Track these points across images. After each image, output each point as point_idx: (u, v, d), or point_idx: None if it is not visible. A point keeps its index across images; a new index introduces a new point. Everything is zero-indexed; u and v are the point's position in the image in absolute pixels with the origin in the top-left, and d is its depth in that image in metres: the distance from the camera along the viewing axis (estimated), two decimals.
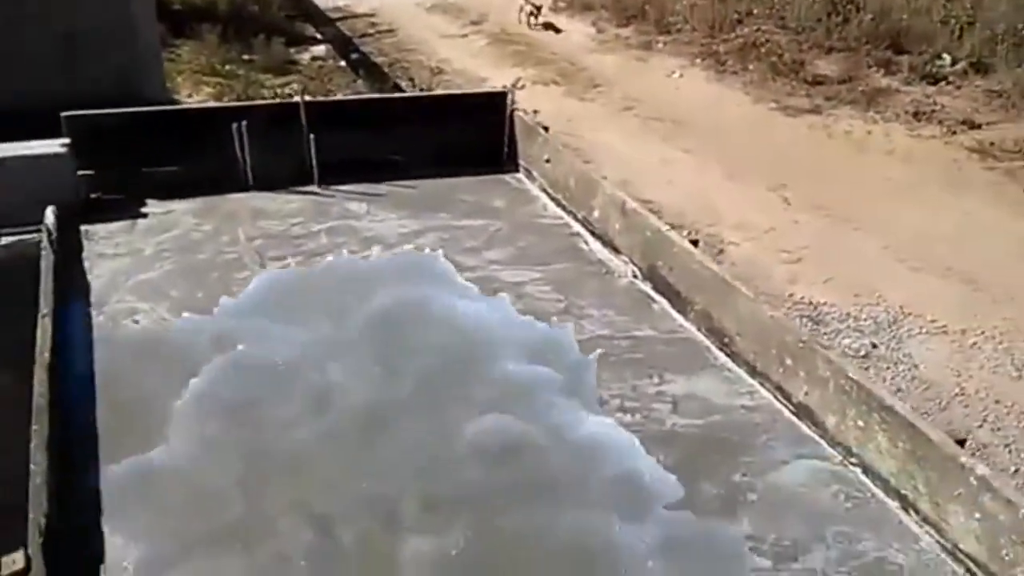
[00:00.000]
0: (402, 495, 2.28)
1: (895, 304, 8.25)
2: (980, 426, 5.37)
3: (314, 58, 13.45)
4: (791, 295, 7.42)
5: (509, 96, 3.98)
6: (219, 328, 2.87)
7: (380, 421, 2.53)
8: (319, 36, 14.44)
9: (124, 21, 8.65)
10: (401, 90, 11.28)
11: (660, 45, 13.47)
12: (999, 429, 5.31)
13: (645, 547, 2.18)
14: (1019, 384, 6.10)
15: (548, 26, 13.94)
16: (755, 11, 14.03)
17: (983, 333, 6.70)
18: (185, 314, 2.93)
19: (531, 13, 13.84)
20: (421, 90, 11.03)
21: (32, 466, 2.20)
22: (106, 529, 2.18)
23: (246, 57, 13.03)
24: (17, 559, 2.02)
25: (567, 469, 2.40)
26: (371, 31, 14.86)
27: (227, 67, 12.62)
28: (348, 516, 2.23)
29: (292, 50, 13.53)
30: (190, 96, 11.56)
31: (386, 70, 13.19)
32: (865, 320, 8.12)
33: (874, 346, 7.33)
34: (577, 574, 2.13)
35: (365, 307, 2.98)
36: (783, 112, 12.00)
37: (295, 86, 12.05)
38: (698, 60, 13.39)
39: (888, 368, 6.30)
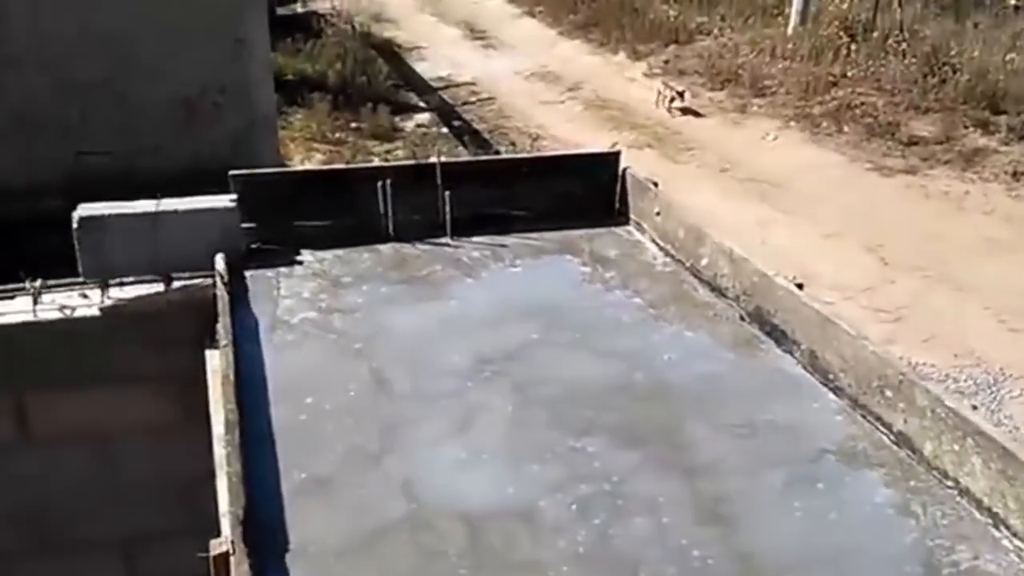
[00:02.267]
0: None
1: (995, 365, 8.27)
2: None
3: (418, 125, 14.12)
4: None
5: (621, 155, 4.34)
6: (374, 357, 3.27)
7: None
8: (423, 104, 15.13)
9: (243, 88, 9.31)
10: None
11: (755, 108, 13.75)
12: None
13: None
14: None
15: (687, 111, 13.92)
16: (849, 73, 14.23)
17: None
18: (348, 346, 3.33)
19: (671, 99, 13.91)
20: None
21: (226, 467, 2.59)
22: (289, 523, 2.53)
23: (354, 125, 13.79)
24: (223, 542, 2.40)
25: None
26: (472, 99, 15.51)
27: (336, 134, 13.38)
28: None
29: (397, 118, 14.25)
30: (302, 162, 12.30)
31: (487, 136, 13.75)
32: (965, 381, 8.17)
33: (974, 408, 7.36)
34: None
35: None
36: (879, 172, 12.13)
37: (400, 152, 12.70)
38: (793, 122, 13.64)
39: None
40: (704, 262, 3.83)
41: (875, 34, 14.68)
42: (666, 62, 16.01)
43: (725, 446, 2.89)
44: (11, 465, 4.05)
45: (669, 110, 13.94)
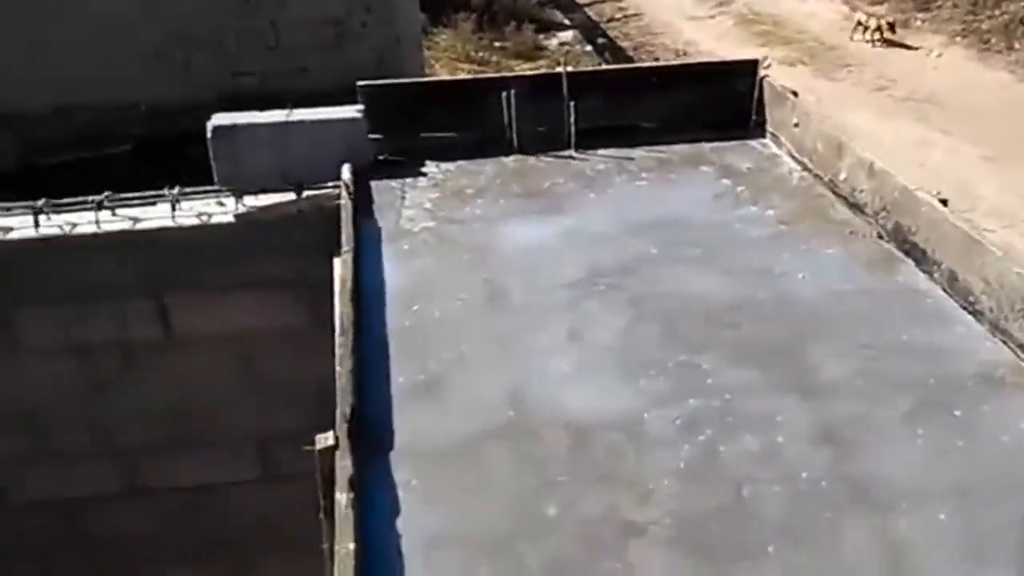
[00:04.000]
0: None
1: None
2: None
3: (561, 43, 13.89)
4: None
5: (760, 64, 4.13)
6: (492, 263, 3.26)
7: None
8: (567, 22, 14.86)
9: (389, 7, 9.36)
10: None
11: (918, 23, 12.86)
12: None
13: None
14: None
15: (892, 43, 12.29)
16: None
17: None
18: (464, 256, 3.33)
19: (877, 28, 12.21)
20: None
21: (339, 367, 2.64)
22: (395, 423, 2.58)
23: (498, 44, 13.68)
24: (328, 437, 2.46)
25: None
26: (618, 15, 15.13)
27: (480, 54, 13.31)
28: None
29: (541, 36, 14.04)
30: None
31: (631, 53, 13.41)
32: None
33: None
34: None
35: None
36: None
37: (544, 71, 12.51)
38: (959, 38, 12.70)
39: None
40: (843, 176, 3.62)
41: None
42: None
43: (851, 368, 2.74)
44: (155, 364, 4.29)
45: (872, 43, 12.24)
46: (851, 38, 12.40)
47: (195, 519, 4.54)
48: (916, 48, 12.15)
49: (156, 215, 4.02)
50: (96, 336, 4.20)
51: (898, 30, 12.23)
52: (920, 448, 2.44)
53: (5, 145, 8.17)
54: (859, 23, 12.45)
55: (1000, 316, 2.81)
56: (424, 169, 3.95)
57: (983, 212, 8.15)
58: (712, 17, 14.34)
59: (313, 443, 2.43)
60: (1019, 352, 2.74)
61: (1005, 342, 2.79)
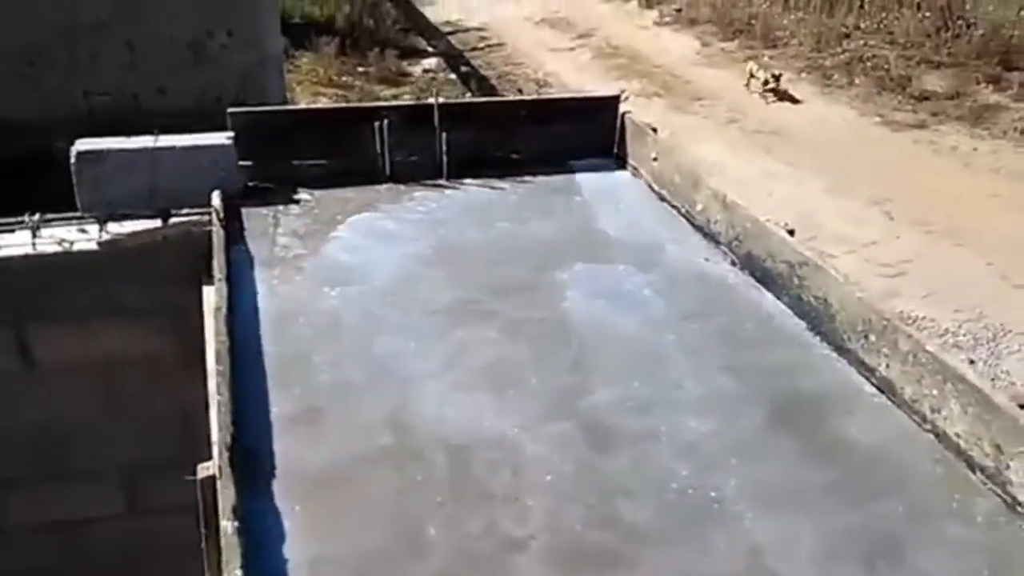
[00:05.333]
0: None
1: (995, 321, 8.27)
2: None
3: (426, 70, 14.02)
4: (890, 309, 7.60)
5: (620, 99, 4.34)
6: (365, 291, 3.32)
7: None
8: (431, 49, 15.02)
9: (250, 30, 9.26)
10: None
11: (765, 58, 13.62)
12: None
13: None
14: None
15: (783, 96, 12.49)
16: (863, 26, 14.09)
17: None
18: (340, 282, 3.38)
19: (764, 82, 12.43)
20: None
21: (217, 396, 2.64)
22: (276, 450, 2.60)
23: (361, 69, 13.70)
24: (210, 466, 2.46)
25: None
26: (481, 44, 15.41)
27: (343, 78, 13.29)
28: None
29: (405, 63, 14.15)
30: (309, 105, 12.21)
31: (495, 82, 13.65)
32: (964, 336, 8.18)
33: (971, 362, 7.40)
34: None
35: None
36: (888, 127, 12.05)
37: (407, 97, 12.64)
38: (804, 74, 13.52)
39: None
40: (699, 208, 3.84)
41: None
42: (678, 10, 15.86)
43: (709, 385, 2.93)
44: (14, 395, 4.13)
45: (762, 95, 12.50)
46: (747, 86, 12.64)
47: (60, 555, 4.38)
48: (800, 102, 12.45)
49: (14, 242, 3.90)
50: None
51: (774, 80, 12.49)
52: (773, 460, 2.63)
53: None
54: (751, 75, 12.62)
55: (843, 337, 3.05)
56: (296, 196, 3.97)
57: (825, 239, 8.69)
58: (572, 49, 14.80)
59: (194, 473, 2.43)
60: (861, 370, 2.98)
61: (848, 360, 3.03)
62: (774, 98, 12.39)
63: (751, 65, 12.73)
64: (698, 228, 3.81)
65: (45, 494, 4.34)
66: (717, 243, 3.69)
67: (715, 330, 3.22)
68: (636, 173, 4.26)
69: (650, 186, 4.14)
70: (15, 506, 4.37)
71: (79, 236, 3.89)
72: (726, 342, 3.14)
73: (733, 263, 3.59)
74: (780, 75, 12.43)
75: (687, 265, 3.61)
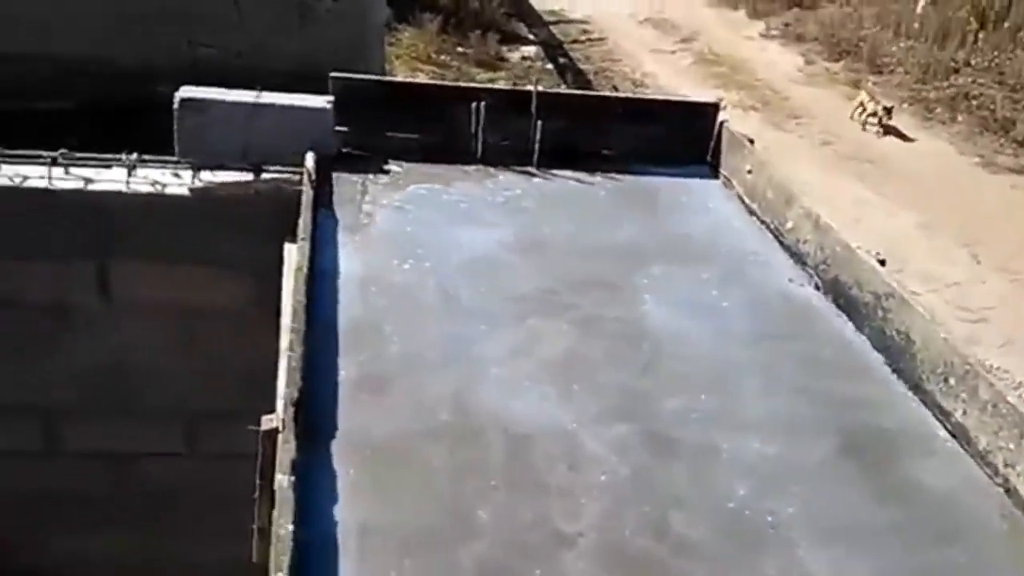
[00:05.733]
0: None
1: None
2: None
3: (524, 57, 13.99)
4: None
5: (720, 108, 4.28)
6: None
7: None
8: (531, 36, 14.98)
9: None
10: None
11: (869, 84, 13.29)
12: None
13: None
14: None
15: (890, 130, 11.93)
16: (973, 62, 13.65)
17: None
18: (420, 257, 3.39)
19: (873, 114, 11.87)
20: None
21: (289, 352, 2.68)
22: (339, 413, 2.62)
23: (460, 49, 13.72)
24: (273, 419, 2.49)
25: None
26: (582, 37, 15.31)
27: (442, 57, 13.33)
28: None
29: (504, 48, 14.12)
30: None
31: (591, 77, 13.58)
32: None
33: None
34: None
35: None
36: (987, 169, 11.69)
37: (502, 83, 12.63)
38: (906, 104, 13.15)
39: None
40: (789, 226, 3.77)
41: (1007, 24, 14.02)
42: (786, 25, 15.56)
43: (778, 408, 2.87)
44: (91, 328, 4.25)
45: (863, 125, 11.90)
46: (851, 116, 12.08)
47: (119, 486, 4.51)
48: (912, 140, 11.91)
49: (110, 178, 4.00)
50: (32, 294, 4.15)
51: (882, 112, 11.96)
52: (835, 492, 2.57)
53: None
54: (861, 105, 12.01)
55: (922, 377, 2.97)
56: (387, 167, 4.00)
57: (910, 274, 8.47)
58: (673, 52, 14.63)
59: (257, 423, 2.47)
60: (936, 412, 2.90)
61: (924, 402, 2.95)
62: (881, 132, 11.85)
63: (862, 95, 12.19)
64: (786, 247, 3.73)
65: (105, 426, 4.45)
66: (804, 264, 3.62)
67: (792, 352, 3.15)
68: (728, 184, 4.19)
69: (741, 198, 4.07)
70: (74, 434, 4.49)
71: (172, 180, 3.98)
72: (802, 366, 3.08)
73: (818, 287, 3.51)
74: (891, 108, 11.89)
75: (771, 283, 3.54)
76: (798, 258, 3.66)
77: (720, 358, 3.07)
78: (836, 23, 15.16)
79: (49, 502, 4.50)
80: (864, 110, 11.98)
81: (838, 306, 3.40)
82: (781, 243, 3.78)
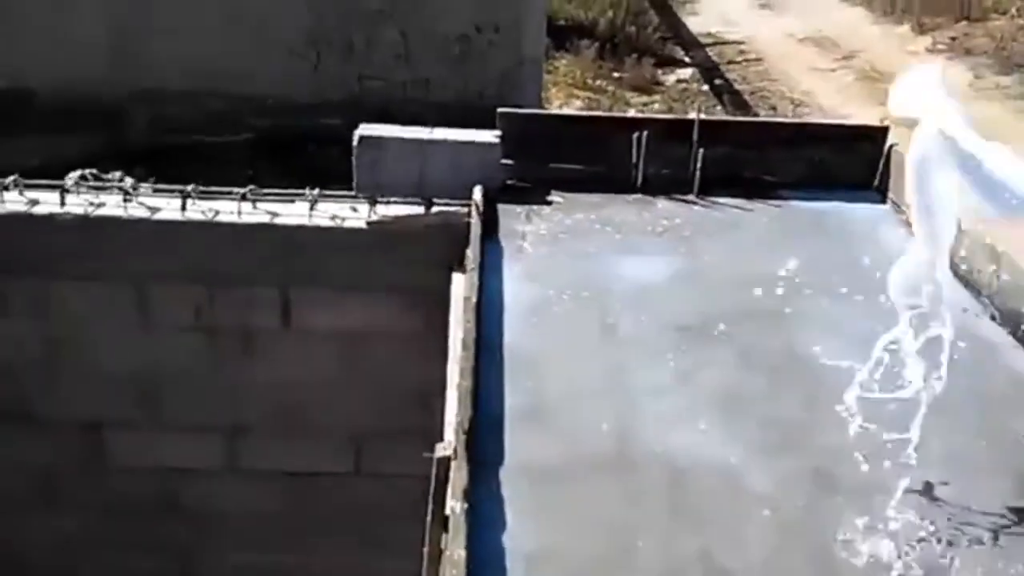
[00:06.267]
0: None
1: None
2: None
3: (679, 80, 13.92)
4: None
5: (889, 131, 4.19)
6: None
7: None
8: (687, 59, 14.88)
9: (516, 28, 9.55)
10: None
11: None
12: None
13: None
14: None
15: None
16: None
17: None
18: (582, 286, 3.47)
19: None
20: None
21: (459, 380, 2.80)
22: (506, 441, 2.72)
23: (616, 74, 13.78)
24: (447, 446, 2.62)
25: None
26: (738, 58, 15.09)
27: (598, 82, 13.43)
28: None
29: (660, 71, 14.08)
30: (561, 107, 12.48)
31: (747, 98, 13.38)
32: None
33: None
34: None
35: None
36: None
37: (657, 106, 12.60)
38: None
39: None
40: (962, 254, 3.64)
41: None
42: (953, 39, 14.87)
43: (955, 446, 2.79)
44: (272, 350, 4.53)
45: None
46: None
47: (292, 504, 4.76)
48: None
49: (293, 212, 4.27)
50: (222, 318, 4.46)
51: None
52: (1012, 538, 2.47)
53: (138, 119, 8.59)
54: None
55: None
56: (550, 198, 4.10)
57: None
58: (833, 71, 14.22)
59: (432, 450, 2.59)
60: None
61: None
62: None
63: None
64: (960, 276, 3.60)
65: (284, 449, 4.71)
66: (979, 294, 3.49)
67: (966, 387, 3.04)
68: (898, 210, 4.09)
69: (910, 224, 3.96)
70: (247, 453, 4.77)
71: (351, 214, 4.22)
72: (977, 401, 2.97)
73: (993, 317, 3.38)
74: None
75: (945, 312, 3.43)
76: (973, 288, 3.53)
77: (891, 395, 3.00)
78: (1007, 35, 14.39)
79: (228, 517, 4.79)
80: None
81: (1016, 338, 3.27)
82: (956, 272, 3.65)
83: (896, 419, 2.88)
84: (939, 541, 2.43)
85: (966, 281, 3.57)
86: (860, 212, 4.12)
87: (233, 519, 4.77)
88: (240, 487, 4.75)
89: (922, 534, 2.44)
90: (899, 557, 2.38)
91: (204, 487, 4.75)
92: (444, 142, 4.02)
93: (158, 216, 4.24)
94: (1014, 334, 3.28)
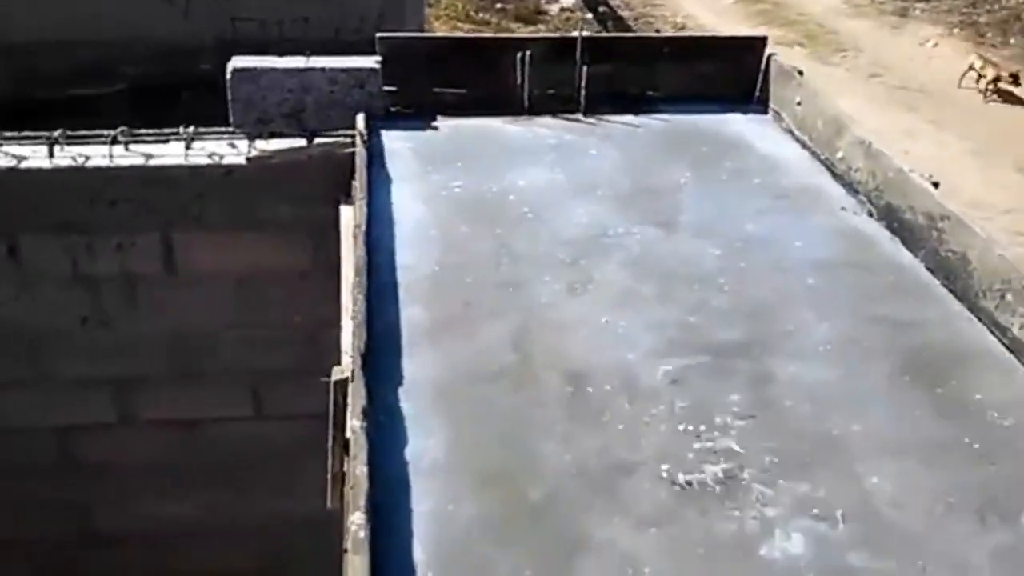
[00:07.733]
0: None
1: None
2: None
3: (562, 9, 13.88)
4: None
5: (767, 41, 4.25)
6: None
7: None
8: None
9: None
10: None
11: (917, 12, 12.96)
12: None
13: None
14: None
15: (1010, 97, 10.95)
16: None
17: None
18: (473, 207, 3.46)
19: (995, 80, 10.81)
20: None
21: (352, 306, 2.76)
22: (403, 361, 2.71)
23: (499, 6, 13.64)
24: (344, 369, 2.58)
25: None
26: None
27: (481, 14, 13.28)
28: None
29: (543, 1, 14.00)
30: None
31: (631, 24, 13.45)
32: None
33: None
34: None
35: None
36: None
37: (560, 35, 12.51)
38: (956, 30, 12.82)
39: None
40: (840, 155, 3.75)
41: None
42: None
43: (832, 334, 2.89)
44: (157, 297, 4.39)
45: (984, 93, 10.89)
46: (959, 85, 11.05)
47: (190, 451, 4.67)
48: None
49: (168, 153, 4.11)
50: (102, 267, 4.29)
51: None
52: (896, 411, 2.60)
53: (4, 75, 8.13)
54: (971, 68, 10.96)
55: (978, 295, 2.97)
56: (435, 123, 4.05)
57: (963, 203, 8.31)
58: None
59: (327, 376, 2.56)
60: (993, 329, 2.90)
61: (981, 319, 2.95)
62: (997, 98, 10.91)
63: (974, 59, 11.12)
64: (838, 176, 3.72)
65: (177, 392, 4.60)
66: (856, 192, 3.61)
67: (848, 279, 3.16)
68: (778, 117, 4.18)
69: (791, 131, 4.06)
70: (141, 404, 4.65)
71: (229, 150, 4.08)
72: (858, 291, 3.09)
73: (871, 213, 3.50)
74: (1018, 74, 10.71)
75: (824, 212, 3.54)
76: (850, 186, 3.65)
77: (776, 288, 3.10)
78: None
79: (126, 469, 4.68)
80: (980, 76, 10.91)
81: (892, 231, 3.40)
82: (833, 172, 3.77)
83: (785, 313, 2.99)
84: (828, 418, 2.54)
85: (844, 181, 3.69)
86: (743, 122, 4.19)
87: (131, 472, 4.65)
88: (136, 439, 4.63)
89: (806, 413, 2.55)
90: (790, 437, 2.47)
91: (98, 441, 4.61)
92: (322, 71, 3.91)
93: (25, 164, 4.03)
94: (890, 227, 3.40)
